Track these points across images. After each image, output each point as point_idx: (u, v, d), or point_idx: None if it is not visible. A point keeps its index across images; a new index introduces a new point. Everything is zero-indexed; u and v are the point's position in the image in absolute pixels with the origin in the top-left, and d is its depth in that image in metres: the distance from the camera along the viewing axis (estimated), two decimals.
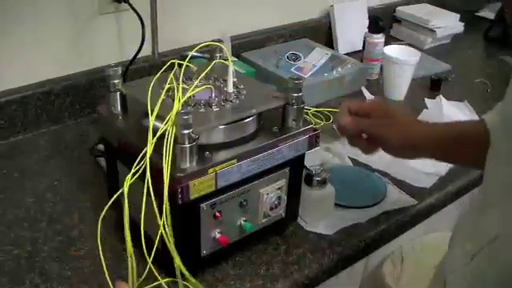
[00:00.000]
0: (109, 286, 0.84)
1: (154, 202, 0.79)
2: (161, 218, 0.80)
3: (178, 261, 0.82)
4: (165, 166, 0.79)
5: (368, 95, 1.58)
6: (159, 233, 0.81)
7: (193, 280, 0.85)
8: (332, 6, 1.85)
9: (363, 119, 0.98)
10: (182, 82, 0.91)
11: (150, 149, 0.80)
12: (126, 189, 0.81)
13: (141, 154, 0.81)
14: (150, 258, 0.81)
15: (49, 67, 1.34)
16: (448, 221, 1.10)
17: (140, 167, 0.81)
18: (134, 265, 0.84)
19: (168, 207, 0.80)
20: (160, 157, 0.80)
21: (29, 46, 1.29)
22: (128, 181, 0.81)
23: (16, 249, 0.98)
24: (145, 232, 0.81)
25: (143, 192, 0.81)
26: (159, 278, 0.84)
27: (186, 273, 0.83)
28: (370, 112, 0.98)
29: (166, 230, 0.80)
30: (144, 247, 0.81)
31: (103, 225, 0.83)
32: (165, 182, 0.79)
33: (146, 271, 0.83)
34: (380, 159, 1.28)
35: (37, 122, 1.33)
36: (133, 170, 0.81)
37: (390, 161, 1.27)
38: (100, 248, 0.83)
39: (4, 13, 1.23)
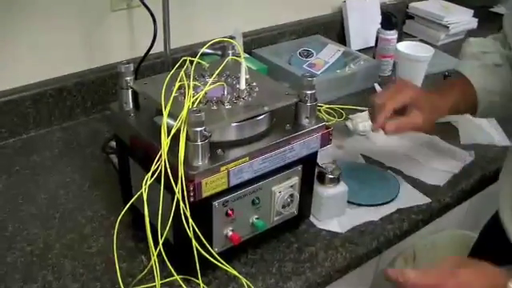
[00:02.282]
0: (120, 283, 0.85)
1: (179, 202, 0.79)
2: (181, 217, 0.80)
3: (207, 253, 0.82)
4: (180, 165, 0.78)
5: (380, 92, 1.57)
6: (166, 230, 0.81)
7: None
8: (344, 2, 1.84)
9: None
10: (195, 79, 0.90)
11: (164, 149, 0.80)
12: (145, 192, 0.81)
13: (157, 156, 0.81)
14: (165, 254, 0.81)
15: (61, 64, 1.34)
16: (457, 219, 1.09)
17: (156, 167, 0.81)
18: (157, 266, 0.84)
19: (187, 205, 0.80)
20: (172, 155, 0.79)
21: (41, 43, 1.29)
22: (147, 181, 0.81)
23: (28, 246, 0.99)
24: (156, 228, 0.81)
25: (156, 190, 0.80)
26: (175, 274, 0.84)
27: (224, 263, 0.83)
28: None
29: (190, 227, 0.80)
30: (161, 245, 0.81)
31: (115, 222, 0.83)
32: (179, 180, 0.78)
33: (156, 267, 0.82)
34: (393, 157, 1.27)
35: (49, 119, 1.34)
36: (151, 170, 0.81)
37: (403, 158, 1.27)
38: (115, 246, 0.83)
39: (17, 10, 1.23)
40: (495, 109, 1.12)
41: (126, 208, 0.84)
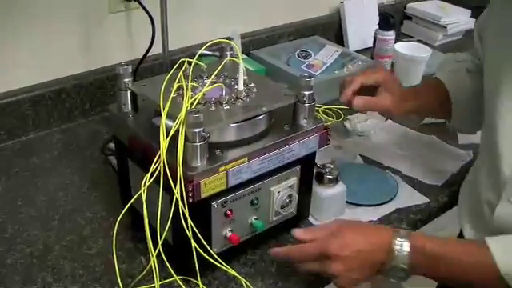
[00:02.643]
0: (120, 284, 0.85)
1: (178, 203, 0.79)
2: (180, 218, 0.80)
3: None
4: (179, 166, 0.79)
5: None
6: (165, 231, 0.81)
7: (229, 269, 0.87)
8: (342, 2, 1.85)
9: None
10: (193, 80, 0.91)
11: (163, 150, 0.80)
12: (144, 193, 0.81)
13: (156, 157, 0.81)
14: (164, 255, 0.82)
15: (59, 66, 1.34)
16: (456, 219, 1.09)
17: (155, 168, 0.81)
18: (157, 266, 0.84)
19: (186, 206, 0.80)
20: (171, 155, 0.80)
21: (40, 46, 1.29)
22: (146, 182, 0.81)
23: (28, 247, 0.99)
24: (155, 229, 0.81)
25: (155, 191, 0.81)
26: (174, 274, 0.85)
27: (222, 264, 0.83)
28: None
29: (189, 227, 0.81)
30: (160, 246, 0.81)
31: (114, 223, 0.84)
32: (178, 181, 0.79)
33: (155, 268, 0.83)
34: (391, 157, 1.28)
35: (48, 121, 1.34)
36: (150, 171, 0.81)
37: (402, 158, 1.27)
38: (114, 247, 0.83)
39: (17, 13, 1.23)
40: (466, 116, 1.12)
41: (125, 209, 0.84)
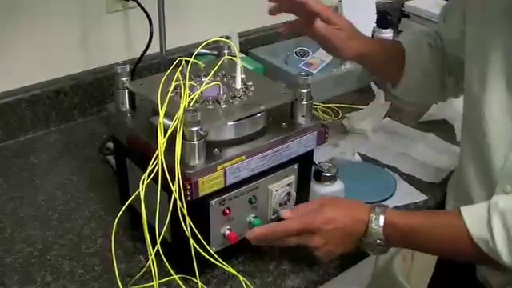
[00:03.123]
0: (119, 283, 0.85)
1: (176, 202, 0.79)
2: (178, 216, 0.80)
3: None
4: (177, 165, 0.79)
5: (376, 90, 1.57)
6: (164, 229, 0.81)
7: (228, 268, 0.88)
8: (340, 1, 1.84)
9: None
10: (191, 79, 0.91)
11: (161, 149, 0.80)
12: (142, 192, 0.81)
13: (154, 156, 0.81)
14: (163, 254, 0.82)
15: (58, 66, 1.34)
16: None
17: (153, 167, 0.81)
18: (155, 265, 0.84)
19: (184, 204, 0.80)
20: (169, 154, 0.80)
21: (37, 45, 1.29)
22: (144, 181, 0.81)
23: (27, 247, 0.99)
24: (153, 228, 0.81)
25: (153, 190, 0.81)
26: (173, 273, 0.85)
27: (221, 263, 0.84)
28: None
29: (188, 226, 0.81)
30: (159, 245, 0.82)
31: (113, 222, 0.84)
32: (176, 179, 0.79)
33: (154, 267, 0.83)
34: (389, 154, 1.28)
35: (46, 121, 1.34)
36: (148, 170, 0.81)
37: (400, 156, 1.28)
38: (113, 246, 0.84)
39: (15, 12, 1.23)
40: (413, 87, 1.13)
41: (123, 208, 0.84)
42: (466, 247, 0.84)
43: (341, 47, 1.03)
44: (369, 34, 1.70)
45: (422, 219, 0.90)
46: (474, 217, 0.84)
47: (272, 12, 1.04)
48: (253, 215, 0.92)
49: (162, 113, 0.83)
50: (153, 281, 0.84)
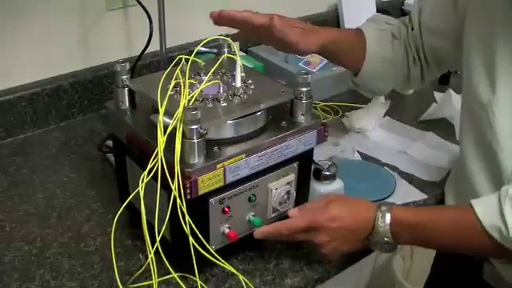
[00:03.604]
0: (118, 281, 0.85)
1: (176, 200, 0.79)
2: (178, 214, 0.80)
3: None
4: (176, 163, 0.79)
5: None
6: (163, 227, 0.81)
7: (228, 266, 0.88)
8: None
9: None
10: (190, 77, 0.91)
11: (161, 147, 0.80)
12: (141, 190, 0.81)
13: (154, 154, 0.81)
14: (162, 252, 0.82)
15: (57, 64, 1.34)
16: None
17: (153, 165, 0.81)
18: (155, 263, 0.84)
19: (184, 203, 0.80)
20: (169, 152, 0.80)
21: (37, 43, 1.29)
22: (144, 179, 0.81)
23: (26, 245, 0.99)
24: (153, 226, 0.81)
25: (153, 188, 0.81)
26: (172, 271, 0.85)
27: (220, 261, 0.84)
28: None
29: (187, 224, 0.81)
30: (158, 243, 0.81)
31: (112, 220, 0.84)
32: (176, 178, 0.79)
33: (154, 265, 0.83)
34: (389, 153, 1.28)
35: (46, 119, 1.34)
36: (148, 168, 0.81)
37: (399, 155, 1.28)
38: (112, 244, 0.83)
39: (15, 10, 1.23)
40: (377, 76, 1.13)
41: (123, 206, 0.84)
42: (480, 239, 0.83)
43: (296, 42, 1.02)
44: None
45: (430, 214, 0.90)
46: (485, 207, 0.83)
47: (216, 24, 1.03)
48: (252, 214, 0.92)
49: (161, 111, 0.83)
50: (152, 279, 0.84)
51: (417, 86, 1.18)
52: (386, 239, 0.88)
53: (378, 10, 1.74)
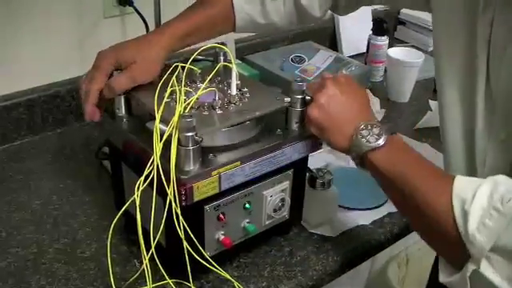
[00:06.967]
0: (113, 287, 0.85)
1: (171, 207, 0.80)
2: (173, 221, 0.80)
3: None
4: (172, 170, 0.79)
5: (372, 97, 1.58)
6: (158, 233, 0.82)
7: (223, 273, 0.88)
8: None
9: None
10: (186, 84, 0.91)
11: (157, 154, 0.81)
12: (137, 197, 0.82)
13: (150, 161, 0.81)
14: (157, 258, 0.82)
15: (54, 70, 1.35)
16: None
17: (149, 172, 0.82)
18: (150, 269, 0.84)
19: (178, 209, 0.80)
20: (164, 159, 0.80)
21: (34, 50, 1.30)
22: (140, 186, 0.81)
23: (22, 250, 0.99)
24: (148, 233, 0.82)
25: (148, 195, 0.81)
26: (167, 277, 0.85)
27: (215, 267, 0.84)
28: None
29: (182, 230, 0.81)
30: (153, 249, 0.82)
31: (108, 227, 0.84)
32: (171, 185, 0.79)
33: (148, 271, 0.83)
34: None
35: (42, 125, 1.34)
36: (144, 175, 0.82)
37: None
38: (108, 251, 0.84)
39: (13, 18, 1.24)
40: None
41: (119, 213, 0.84)
42: (442, 205, 0.75)
43: (148, 75, 0.94)
44: (365, 41, 1.72)
45: (419, 158, 0.84)
46: (465, 179, 0.76)
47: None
48: (247, 221, 0.93)
49: (157, 118, 0.83)
50: (147, 285, 0.84)
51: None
52: (364, 148, 0.83)
53: (374, 19, 1.75)
